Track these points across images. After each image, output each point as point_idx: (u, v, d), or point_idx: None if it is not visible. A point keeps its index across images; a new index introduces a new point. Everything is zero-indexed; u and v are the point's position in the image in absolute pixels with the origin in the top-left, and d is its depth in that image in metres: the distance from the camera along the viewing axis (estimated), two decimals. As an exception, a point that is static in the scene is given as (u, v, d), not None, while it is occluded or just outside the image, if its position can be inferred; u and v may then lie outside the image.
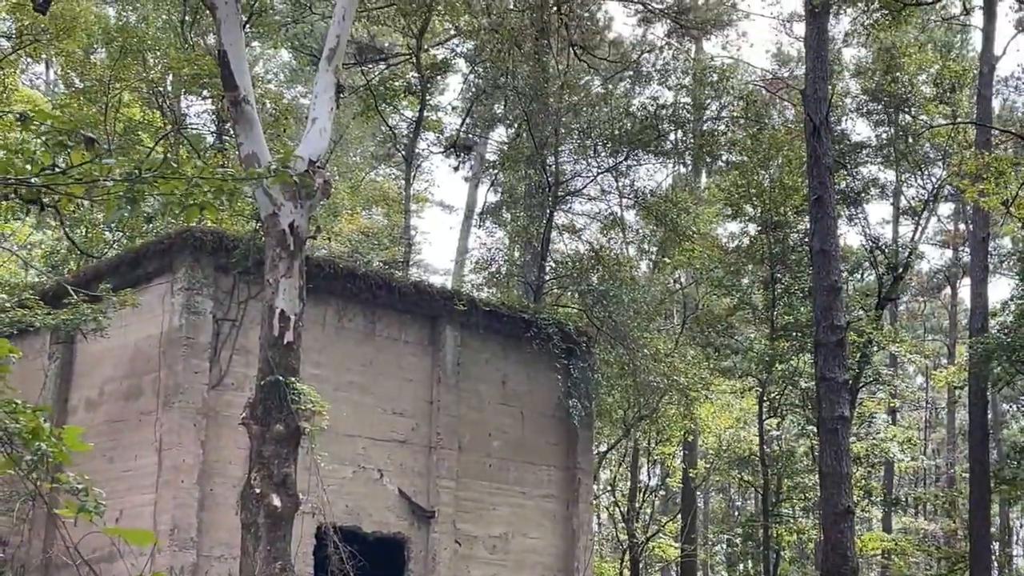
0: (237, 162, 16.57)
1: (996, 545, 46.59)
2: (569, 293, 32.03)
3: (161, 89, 28.44)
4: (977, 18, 34.52)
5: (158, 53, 27.49)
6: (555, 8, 31.72)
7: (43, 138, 5.60)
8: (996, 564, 45.57)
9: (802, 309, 31.32)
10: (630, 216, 37.21)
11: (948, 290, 56.54)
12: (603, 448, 37.84)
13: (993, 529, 41.61)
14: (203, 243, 18.57)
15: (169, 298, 18.63)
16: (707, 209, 37.16)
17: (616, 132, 31.22)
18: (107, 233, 27.47)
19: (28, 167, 5.51)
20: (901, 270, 32.93)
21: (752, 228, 34.67)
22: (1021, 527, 61.94)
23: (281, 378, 14.49)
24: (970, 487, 33.88)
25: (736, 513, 55.33)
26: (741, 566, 47.07)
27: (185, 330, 18.32)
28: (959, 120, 33.22)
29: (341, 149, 39.28)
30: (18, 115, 5.69)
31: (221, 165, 23.08)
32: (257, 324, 15.97)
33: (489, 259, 35.28)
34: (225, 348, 18.70)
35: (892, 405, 43.46)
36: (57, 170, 5.50)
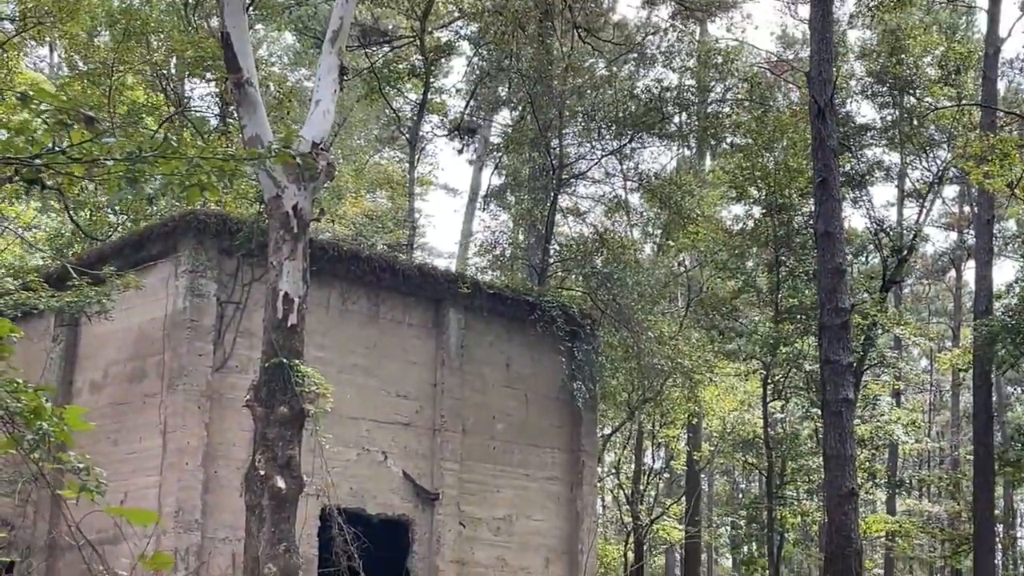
0: (241, 145, 16.55)
1: (1000, 527, 46.63)
2: (573, 276, 32.02)
3: (165, 72, 28.40)
4: (982, -1, 34.45)
5: (161, 36, 27.44)
6: (559, -10, 31.64)
7: (43, 117, 5.59)
8: (1000, 546, 45.66)
9: (806, 292, 31.29)
10: (634, 199, 37.19)
11: (953, 272, 56.47)
12: (607, 431, 37.87)
13: (997, 511, 41.64)
14: (207, 225, 18.57)
15: (173, 280, 18.64)
16: (711, 192, 37.12)
17: (620, 115, 31.18)
18: (111, 216, 27.47)
19: (29, 147, 5.51)
20: (906, 252, 32.88)
21: (756, 211, 34.62)
22: (1025, 509, 61.98)
23: (285, 360, 14.49)
24: (974, 469, 33.90)
25: (740, 495, 55.43)
26: (745, 548, 47.11)
27: (189, 312, 18.32)
28: (964, 102, 33.13)
29: (345, 132, 39.23)
30: (18, 94, 5.67)
31: (224, 147, 23.03)
32: (261, 306, 15.97)
33: (493, 242, 35.28)
34: (229, 330, 18.71)
35: (896, 387, 43.45)
36: (57, 150, 5.48)
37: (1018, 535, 58.70)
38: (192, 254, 18.47)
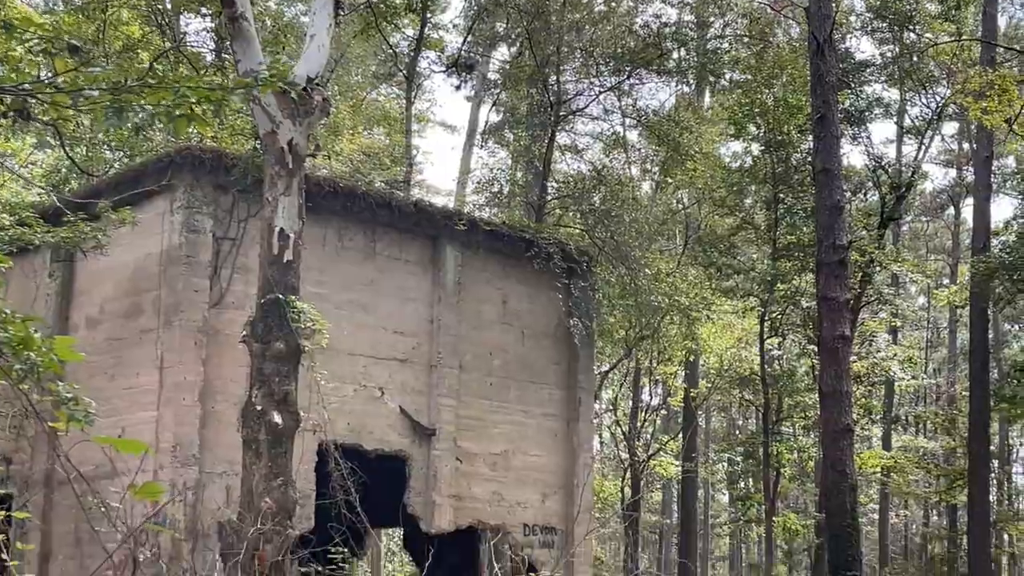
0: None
1: (995, 463, 46.95)
2: (571, 213, 32.03)
3: (159, 6, 28.20)
4: (984, -66, 34.13)
5: (156, -31, 27.22)
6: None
7: (28, 46, 5.54)
8: (995, 481, 45.97)
9: (804, 229, 31.30)
10: (633, 136, 37.10)
11: (951, 209, 56.46)
12: (605, 368, 38.02)
13: (992, 447, 41.90)
14: (202, 161, 18.49)
15: (169, 216, 18.58)
16: (710, 128, 37.00)
17: (619, 50, 31.03)
18: (107, 152, 27.37)
19: (14, 76, 5.46)
20: (904, 189, 32.85)
21: (755, 147, 34.57)
22: (1020, 445, 62.36)
23: (281, 296, 14.49)
24: (970, 405, 34.10)
25: (737, 432, 55.71)
26: (741, 484, 47.47)
27: (185, 248, 18.29)
28: (964, 38, 32.96)
29: (342, 68, 39.00)
30: (1, 23, 5.62)
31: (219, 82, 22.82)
32: (257, 243, 15.93)
33: (491, 179, 35.24)
34: (225, 266, 18.68)
35: (893, 324, 43.57)
36: (42, 80, 5.44)
37: (1013, 471, 59.09)
38: (188, 190, 18.39)
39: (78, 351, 6.36)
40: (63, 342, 5.96)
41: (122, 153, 26.62)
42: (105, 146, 26.81)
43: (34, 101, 5.66)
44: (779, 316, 34.01)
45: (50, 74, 5.89)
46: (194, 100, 5.63)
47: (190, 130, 6.33)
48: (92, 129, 25.00)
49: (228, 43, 21.88)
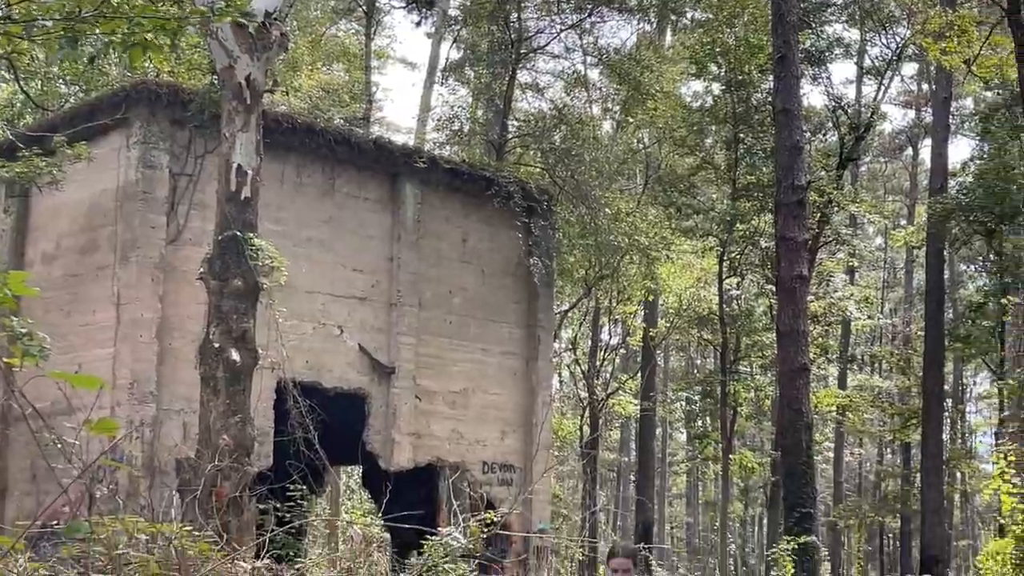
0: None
1: (949, 402, 47.48)
2: (531, 152, 31.92)
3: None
4: None
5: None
6: None
7: (-22, -26, 5.43)
8: (948, 420, 46.52)
9: (764, 169, 31.38)
10: (594, 74, 36.96)
11: (909, 150, 56.69)
12: (565, 307, 38.10)
13: (946, 386, 42.36)
14: (159, 96, 18.28)
15: (125, 152, 18.39)
16: (671, 68, 36.87)
17: (580, -13, 30.83)
18: (62, 87, 27.02)
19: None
20: (863, 130, 32.94)
21: (716, 87, 34.53)
22: (974, 384, 63.11)
23: (239, 233, 14.38)
24: (925, 345, 34.40)
25: (695, 371, 56.03)
26: (699, 422, 47.84)
27: (141, 184, 18.11)
28: (925, -22, 32.91)
29: (301, 3, 38.55)
30: (-50, -51, 5.52)
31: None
32: (214, 179, 15.79)
33: (451, 117, 35.02)
34: (182, 203, 18.53)
35: (850, 264, 43.85)
36: (-6, 9, 5.35)
37: (967, 410, 59.81)
38: (144, 125, 18.19)
39: (33, 287, 6.29)
40: (17, 277, 5.87)
41: (77, 87, 26.28)
42: (60, 80, 26.46)
43: (-14, 31, 5.57)
44: (738, 256, 34.14)
45: (3, 4, 5.78)
46: (149, 29, 5.55)
47: (146, 63, 6.23)
48: (47, 63, 24.68)
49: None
